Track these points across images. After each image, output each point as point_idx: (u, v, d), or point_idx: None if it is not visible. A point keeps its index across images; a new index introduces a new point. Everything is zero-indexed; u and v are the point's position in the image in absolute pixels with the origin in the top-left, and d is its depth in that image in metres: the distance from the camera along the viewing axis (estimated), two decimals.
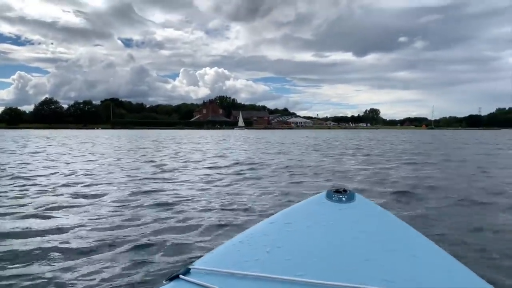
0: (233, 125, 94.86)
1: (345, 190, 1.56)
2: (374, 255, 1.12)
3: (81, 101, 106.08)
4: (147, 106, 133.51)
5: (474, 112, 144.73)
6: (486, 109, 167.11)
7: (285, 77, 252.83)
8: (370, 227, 1.32)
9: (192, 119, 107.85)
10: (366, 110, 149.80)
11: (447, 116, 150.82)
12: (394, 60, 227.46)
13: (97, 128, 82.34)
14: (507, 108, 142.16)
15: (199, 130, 71.24)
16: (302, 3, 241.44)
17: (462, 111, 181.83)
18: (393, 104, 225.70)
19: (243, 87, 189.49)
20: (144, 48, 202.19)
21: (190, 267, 1.05)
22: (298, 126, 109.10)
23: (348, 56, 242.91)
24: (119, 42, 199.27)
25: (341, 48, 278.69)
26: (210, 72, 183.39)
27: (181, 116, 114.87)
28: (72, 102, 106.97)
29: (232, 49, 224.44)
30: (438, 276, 1.02)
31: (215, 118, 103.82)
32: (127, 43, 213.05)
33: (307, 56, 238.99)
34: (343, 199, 1.51)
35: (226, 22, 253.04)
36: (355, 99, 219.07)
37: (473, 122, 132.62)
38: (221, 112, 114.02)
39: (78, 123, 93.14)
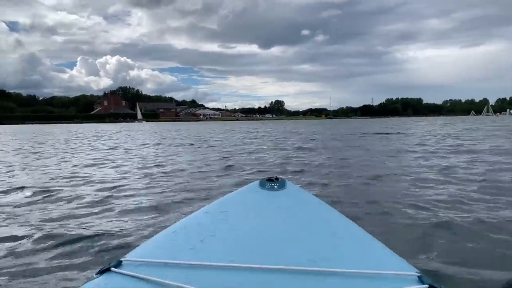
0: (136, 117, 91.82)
1: (277, 178, 1.67)
2: (300, 237, 1.20)
3: None
4: (41, 98, 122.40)
5: (367, 102, 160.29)
6: (377, 99, 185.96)
7: (193, 68, 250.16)
8: (298, 212, 1.42)
9: (93, 112, 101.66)
10: (272, 101, 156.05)
11: (344, 107, 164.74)
12: (298, 53, 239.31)
13: None
14: (394, 99, 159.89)
15: (99, 124, 67.70)
16: None
17: (357, 102, 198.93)
18: (297, 95, 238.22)
19: (149, 77, 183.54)
20: (34, 32, 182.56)
21: (122, 259, 1.04)
22: (207, 118, 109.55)
23: (253, 48, 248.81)
24: (3, 24, 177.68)
25: (247, 40, 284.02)
26: (111, 61, 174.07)
27: (79, 109, 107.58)
28: None
29: (135, 37, 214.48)
30: (357, 254, 1.10)
31: (118, 111, 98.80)
32: (13, 26, 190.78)
33: (213, 47, 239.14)
34: (275, 187, 1.61)
35: (127, 8, 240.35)
36: (262, 91, 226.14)
37: (366, 111, 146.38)
38: (124, 104, 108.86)
39: None
